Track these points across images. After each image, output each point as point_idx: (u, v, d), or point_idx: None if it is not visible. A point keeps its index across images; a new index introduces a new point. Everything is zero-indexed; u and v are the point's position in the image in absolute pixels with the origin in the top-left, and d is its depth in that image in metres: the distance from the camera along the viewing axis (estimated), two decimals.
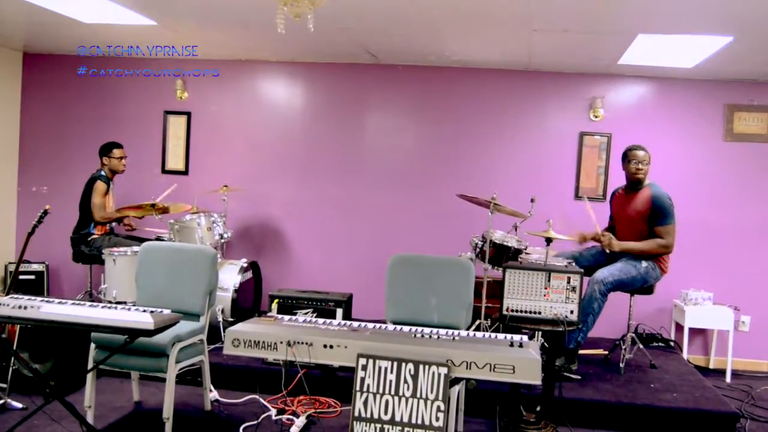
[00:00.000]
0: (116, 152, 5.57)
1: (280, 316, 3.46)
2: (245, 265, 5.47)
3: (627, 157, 4.82)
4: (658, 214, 4.66)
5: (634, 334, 5.08)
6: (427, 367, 2.85)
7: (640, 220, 4.74)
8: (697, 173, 5.86)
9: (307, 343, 3.02)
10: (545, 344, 4.54)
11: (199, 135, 6.51)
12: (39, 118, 6.67)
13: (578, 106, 6.01)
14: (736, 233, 5.81)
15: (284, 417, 4.14)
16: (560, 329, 3.79)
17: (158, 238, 5.51)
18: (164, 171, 6.53)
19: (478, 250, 5.03)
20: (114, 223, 5.67)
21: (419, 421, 2.83)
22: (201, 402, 4.23)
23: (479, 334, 3.21)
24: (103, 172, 5.53)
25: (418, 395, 2.84)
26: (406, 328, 3.31)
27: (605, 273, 4.62)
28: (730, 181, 5.83)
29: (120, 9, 4.60)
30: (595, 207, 5.59)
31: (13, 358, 4.14)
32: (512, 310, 3.88)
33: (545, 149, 6.07)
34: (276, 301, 4.70)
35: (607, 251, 4.75)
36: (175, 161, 6.51)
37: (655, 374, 4.84)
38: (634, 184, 4.84)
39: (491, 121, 6.13)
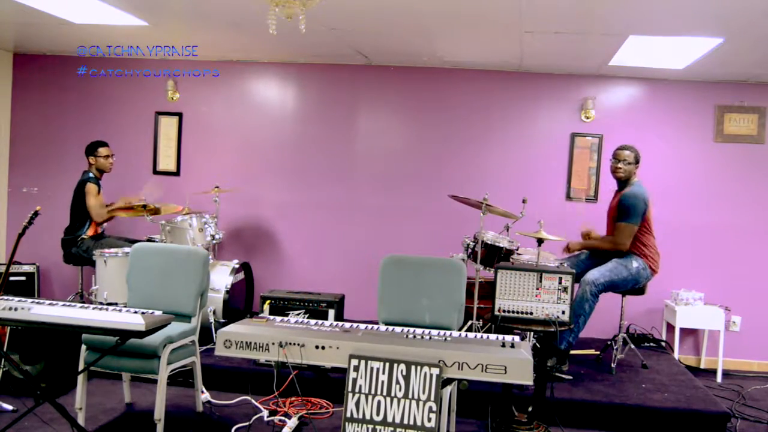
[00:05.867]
0: (102, 150, 5.54)
1: (271, 317, 3.44)
2: (237, 266, 5.46)
3: (612, 155, 4.90)
4: (620, 211, 4.72)
5: (625, 335, 5.10)
6: (419, 367, 2.85)
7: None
8: (687, 174, 5.89)
9: (298, 344, 3.01)
10: (537, 344, 4.55)
11: (191, 136, 6.50)
12: (30, 118, 6.63)
13: (570, 107, 6.03)
14: (726, 233, 5.84)
15: (276, 418, 4.14)
16: (552, 329, 3.80)
17: (149, 239, 5.49)
18: (155, 172, 6.50)
19: (469, 250, 5.04)
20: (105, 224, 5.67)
21: (411, 422, 2.83)
22: (192, 403, 4.22)
23: (471, 335, 3.21)
24: (91, 174, 5.50)
25: (410, 396, 2.84)
26: (398, 329, 3.31)
27: (596, 274, 4.64)
28: (720, 182, 5.86)
29: (111, 9, 4.58)
30: (586, 208, 5.66)
31: (3, 360, 4.12)
32: (504, 311, 3.88)
33: (537, 150, 6.08)
34: (268, 302, 4.70)
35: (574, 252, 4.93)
36: (166, 162, 6.49)
37: (647, 374, 4.86)
38: (620, 183, 4.88)
39: (483, 122, 6.14)
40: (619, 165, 4.79)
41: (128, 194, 5.66)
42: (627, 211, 4.67)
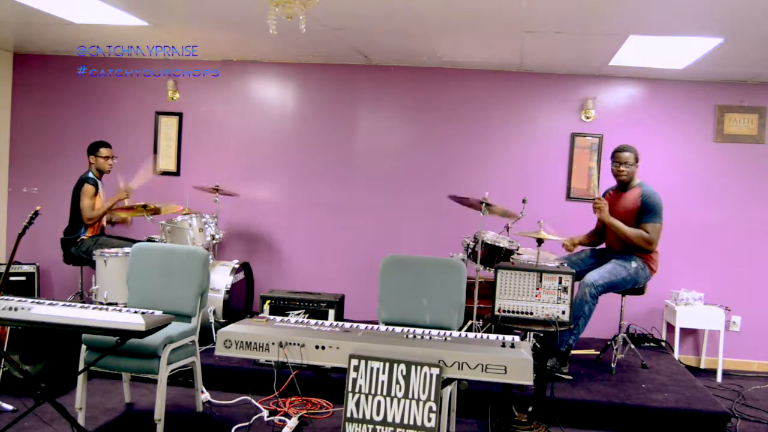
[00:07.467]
0: (103, 151, 5.53)
1: (272, 317, 3.44)
2: (237, 266, 5.46)
3: (612, 158, 4.87)
4: (646, 212, 4.69)
5: (625, 335, 5.10)
6: (419, 367, 2.85)
7: (630, 219, 4.75)
8: (687, 174, 5.89)
9: (299, 344, 3.01)
10: (537, 345, 4.55)
11: (191, 136, 6.49)
12: (30, 118, 6.63)
13: (570, 107, 6.03)
14: (727, 233, 5.84)
15: (276, 418, 4.13)
16: (552, 329, 3.80)
17: (149, 239, 5.49)
18: (156, 172, 6.50)
19: (469, 250, 5.04)
20: (105, 224, 5.66)
21: (411, 422, 2.83)
22: (193, 403, 4.22)
23: (471, 335, 3.21)
24: (90, 174, 5.50)
25: (410, 396, 2.84)
26: (398, 329, 3.31)
27: (595, 276, 4.63)
28: (720, 182, 5.86)
29: (111, 9, 4.59)
30: (584, 207, 5.66)
31: (3, 360, 4.12)
32: (504, 311, 3.88)
33: (537, 150, 6.08)
34: (268, 302, 4.69)
35: (596, 215, 4.81)
36: (166, 162, 6.49)
37: (647, 374, 4.86)
38: (622, 184, 4.87)
39: (483, 122, 6.14)
40: (622, 168, 4.78)
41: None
42: (654, 211, 4.67)
